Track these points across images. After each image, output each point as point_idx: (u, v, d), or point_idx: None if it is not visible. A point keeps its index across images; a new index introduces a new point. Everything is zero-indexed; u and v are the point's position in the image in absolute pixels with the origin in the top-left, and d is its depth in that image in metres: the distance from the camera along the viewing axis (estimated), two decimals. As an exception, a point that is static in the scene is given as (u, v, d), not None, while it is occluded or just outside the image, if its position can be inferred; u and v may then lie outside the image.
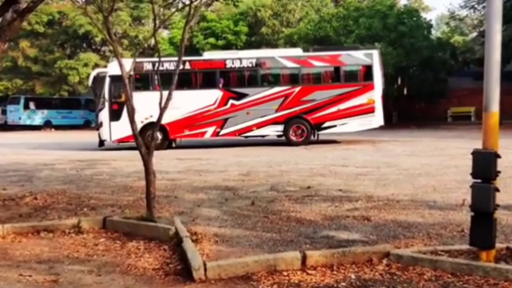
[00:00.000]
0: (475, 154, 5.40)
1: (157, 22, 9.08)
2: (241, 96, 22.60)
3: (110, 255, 6.65)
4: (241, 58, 22.90)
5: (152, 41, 38.13)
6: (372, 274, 5.52)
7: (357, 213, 8.60)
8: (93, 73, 24.37)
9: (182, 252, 6.26)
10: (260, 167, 15.17)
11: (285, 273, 5.58)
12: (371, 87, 22.32)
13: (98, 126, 23.49)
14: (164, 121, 22.36)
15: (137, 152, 8.47)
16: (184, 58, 24.02)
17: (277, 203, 9.60)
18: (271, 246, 6.74)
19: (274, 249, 6.54)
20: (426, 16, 37.44)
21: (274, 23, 38.12)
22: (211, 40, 36.36)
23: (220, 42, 36.55)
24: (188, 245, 6.30)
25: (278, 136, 23.14)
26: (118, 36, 40.06)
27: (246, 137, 23.36)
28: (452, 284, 5.20)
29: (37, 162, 18.00)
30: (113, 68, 22.39)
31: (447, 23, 34.59)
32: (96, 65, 38.24)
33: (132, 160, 15.99)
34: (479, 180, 5.44)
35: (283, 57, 22.89)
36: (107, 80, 22.44)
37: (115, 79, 21.44)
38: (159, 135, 22.65)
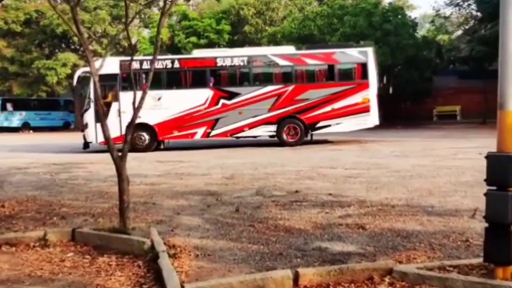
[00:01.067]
0: (490, 158, 4.76)
1: (134, 19, 8.37)
2: (233, 95, 21.79)
3: (77, 273, 5.91)
4: (232, 56, 22.11)
5: (133, 41, 37.32)
6: (374, 295, 4.86)
7: (350, 220, 7.95)
8: (78, 72, 23.27)
9: (158, 270, 5.55)
10: (245, 169, 14.48)
11: (275, 295, 4.90)
12: (366, 86, 21.78)
13: (83, 127, 22.43)
14: (152, 121, 21.89)
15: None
16: (173, 57, 23.33)
17: (264, 210, 8.92)
18: (258, 260, 6.05)
19: (261, 265, 5.86)
20: (411, 14, 36.91)
21: (257, 21, 37.47)
22: (193, 39, 35.60)
23: (202, 41, 35.78)
24: (164, 261, 5.60)
25: (271, 136, 22.42)
26: (97, 36, 39.13)
27: (237, 138, 22.60)
28: (467, 306, 4.55)
29: (11, 166, 17.13)
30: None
31: (432, 21, 34.06)
32: (75, 65, 37.25)
33: (110, 163, 15.03)
34: (494, 188, 4.78)
35: (276, 55, 22.12)
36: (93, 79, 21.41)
37: (101, 78, 20.63)
38: (146, 136, 21.82)
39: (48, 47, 41.46)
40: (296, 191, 10.57)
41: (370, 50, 22.47)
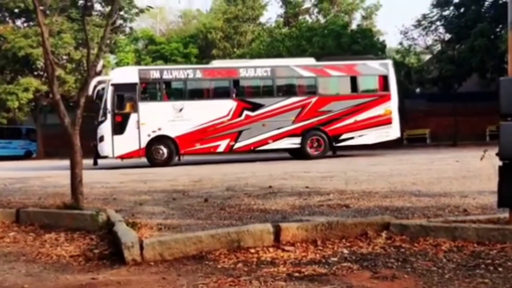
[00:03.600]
0: (503, 82, 4.08)
1: (102, 44, 7.61)
2: (256, 107, 20.65)
3: (16, 246, 5.00)
4: (255, 66, 21.19)
5: (99, 66, 36.47)
6: (371, 248, 4.09)
7: (332, 202, 7.17)
8: (94, 82, 21.55)
9: (114, 237, 4.68)
10: (214, 175, 13.63)
11: (252, 250, 4.08)
12: (388, 98, 21.22)
13: (97, 141, 20.45)
14: (174, 134, 20.42)
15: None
16: (194, 66, 22.46)
17: (235, 200, 8.07)
18: (231, 230, 5.20)
19: (235, 232, 5.02)
20: (380, 37, 36.91)
21: (225, 45, 37.06)
22: (159, 62, 34.95)
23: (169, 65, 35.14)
24: (120, 226, 4.72)
25: (289, 150, 21.56)
26: (61, 62, 38.11)
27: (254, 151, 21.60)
28: (484, 253, 3.79)
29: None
30: (116, 76, 20.42)
31: (400, 43, 34.11)
32: (37, 90, 36.03)
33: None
34: (508, 119, 4.09)
35: (299, 66, 21.30)
36: (110, 89, 19.66)
37: (119, 88, 19.58)
38: (165, 150, 20.42)
39: (10, 72, 40.13)
40: (270, 187, 9.77)
41: (390, 63, 22.09)
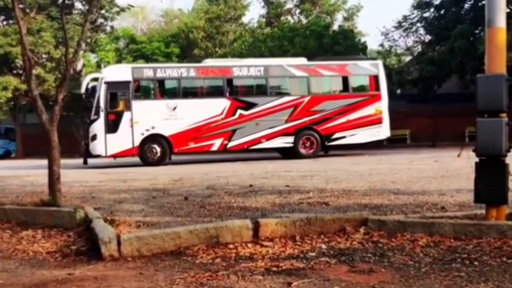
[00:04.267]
0: (480, 79, 4.12)
1: (80, 43, 7.57)
2: (250, 105, 20.64)
3: (-8, 244, 4.93)
4: (249, 65, 21.17)
5: (79, 65, 36.16)
6: (349, 244, 4.11)
7: (311, 200, 7.20)
8: (87, 79, 21.15)
9: (91, 233, 4.64)
10: (195, 174, 13.60)
11: (231, 246, 4.08)
12: (378, 98, 21.37)
13: (89, 139, 20.09)
14: (167, 132, 20.12)
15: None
16: (188, 65, 22.34)
17: (215, 198, 8.05)
18: (211, 226, 5.19)
19: (214, 228, 5.00)
20: (361, 38, 37.09)
21: (207, 45, 36.94)
22: (140, 61, 34.73)
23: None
24: (98, 223, 4.68)
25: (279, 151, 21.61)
26: (41, 61, 37.71)
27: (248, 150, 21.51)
28: (460, 248, 3.83)
29: None
30: (110, 74, 20.09)
31: (381, 45, 34.32)
32: (16, 89, 35.59)
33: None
34: (484, 115, 4.13)
35: (291, 65, 21.37)
36: (103, 87, 19.47)
37: (112, 86, 19.36)
38: (158, 148, 20.18)
39: (-12, 71, 39.67)
40: (250, 185, 9.77)
41: (380, 63, 22.32)
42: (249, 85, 21.40)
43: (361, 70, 21.77)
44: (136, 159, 20.32)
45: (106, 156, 19.91)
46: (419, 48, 34.64)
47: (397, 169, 13.05)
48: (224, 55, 33.03)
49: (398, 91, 37.15)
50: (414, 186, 8.59)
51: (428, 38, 33.33)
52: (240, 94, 21.00)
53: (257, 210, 6.47)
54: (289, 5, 41.18)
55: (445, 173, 10.93)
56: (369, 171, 12.53)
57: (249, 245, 4.12)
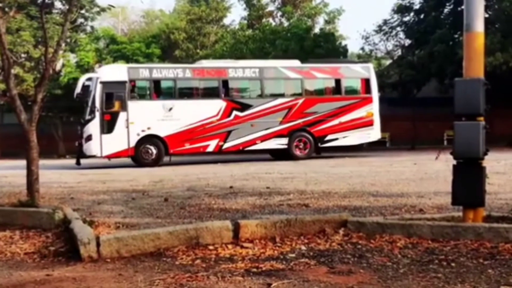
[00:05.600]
0: (457, 83, 4.18)
1: (59, 42, 7.51)
2: (245, 107, 20.67)
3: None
4: (244, 67, 21.18)
5: (58, 65, 35.81)
6: (328, 245, 4.14)
7: (292, 202, 7.23)
8: (83, 79, 20.73)
9: (70, 234, 4.61)
10: (175, 175, 13.56)
11: (211, 247, 4.08)
12: (369, 100, 21.61)
13: (84, 140, 19.77)
14: (163, 133, 19.89)
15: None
16: (184, 66, 22.21)
17: (196, 199, 8.05)
18: (191, 227, 5.18)
19: (194, 230, 4.99)
20: (342, 42, 37.30)
21: (188, 46, 36.80)
22: (121, 62, 34.50)
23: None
24: (77, 223, 4.65)
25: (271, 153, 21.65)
26: (20, 60, 37.28)
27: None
28: (438, 249, 3.88)
29: None
30: (105, 74, 19.81)
31: (361, 48, 34.53)
32: (-5, 89, 35.14)
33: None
34: (462, 119, 4.19)
35: (286, 67, 21.41)
36: (98, 86, 19.20)
37: (108, 86, 19.12)
38: (154, 150, 19.95)
39: (-34, 70, 39.25)
40: (231, 187, 9.78)
41: (371, 66, 22.53)
42: (244, 86, 21.46)
43: (353, 73, 22.00)
44: (121, 160, 20.26)
45: (101, 157, 19.71)
46: (399, 52, 34.86)
47: (376, 171, 13.16)
48: (205, 57, 32.97)
49: (378, 94, 37.43)
50: (393, 189, 8.67)
51: (408, 42, 33.57)
52: (236, 96, 21.05)
53: (238, 211, 6.48)
54: (271, 8, 41.27)
55: (424, 176, 11.06)
56: (349, 173, 12.61)
57: (229, 246, 4.13)
